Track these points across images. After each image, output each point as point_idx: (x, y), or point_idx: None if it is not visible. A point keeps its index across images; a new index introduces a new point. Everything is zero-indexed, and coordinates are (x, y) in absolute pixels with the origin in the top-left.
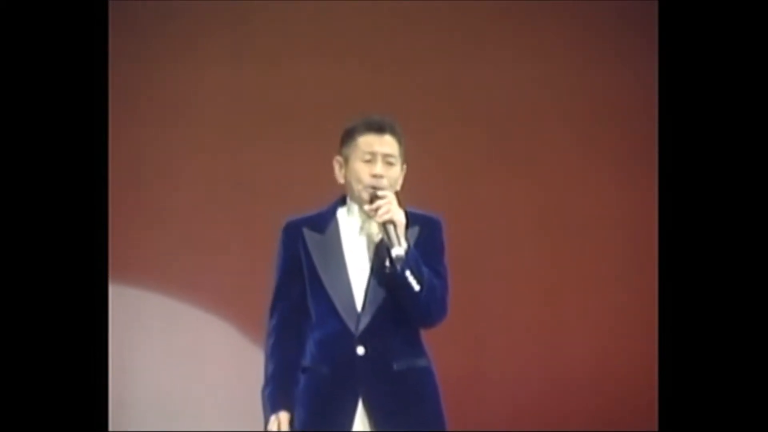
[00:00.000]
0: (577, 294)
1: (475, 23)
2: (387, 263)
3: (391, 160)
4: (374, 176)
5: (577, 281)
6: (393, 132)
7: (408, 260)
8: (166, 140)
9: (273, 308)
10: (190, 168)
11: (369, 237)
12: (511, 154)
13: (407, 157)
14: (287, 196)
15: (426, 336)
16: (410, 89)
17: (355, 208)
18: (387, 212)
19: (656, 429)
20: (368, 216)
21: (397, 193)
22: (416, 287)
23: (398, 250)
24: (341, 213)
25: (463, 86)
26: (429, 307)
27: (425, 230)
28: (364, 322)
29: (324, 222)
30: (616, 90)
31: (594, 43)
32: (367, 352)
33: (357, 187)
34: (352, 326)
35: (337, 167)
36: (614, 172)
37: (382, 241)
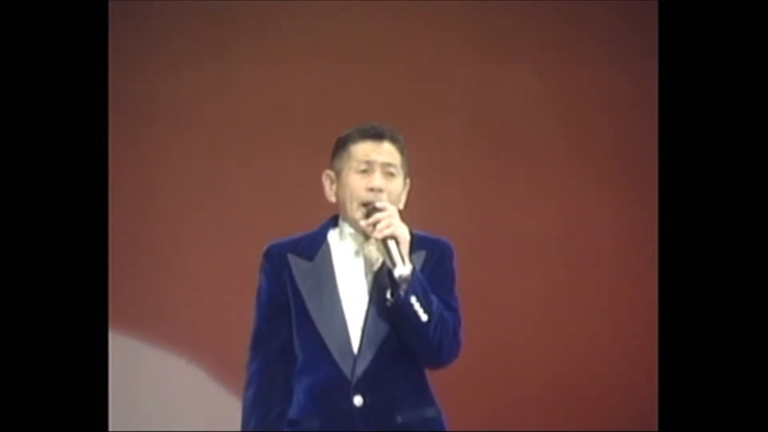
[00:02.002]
0: (577, 294)
1: (474, 23)
2: (389, 294)
3: (392, 170)
4: (371, 190)
5: (576, 282)
6: (393, 139)
7: (414, 283)
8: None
9: (254, 350)
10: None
11: (366, 264)
12: (513, 160)
13: (411, 172)
14: (275, 217)
15: None
16: (408, 95)
17: (348, 229)
18: (388, 226)
19: (656, 429)
20: (365, 237)
21: (400, 212)
22: (423, 317)
23: (402, 269)
24: (332, 236)
25: (463, 88)
26: (439, 342)
27: (433, 256)
28: (362, 365)
29: (313, 247)
30: (616, 91)
31: (594, 43)
32: (365, 402)
33: (350, 205)
34: (347, 371)
35: (327, 183)
36: (614, 173)
37: (381, 268)
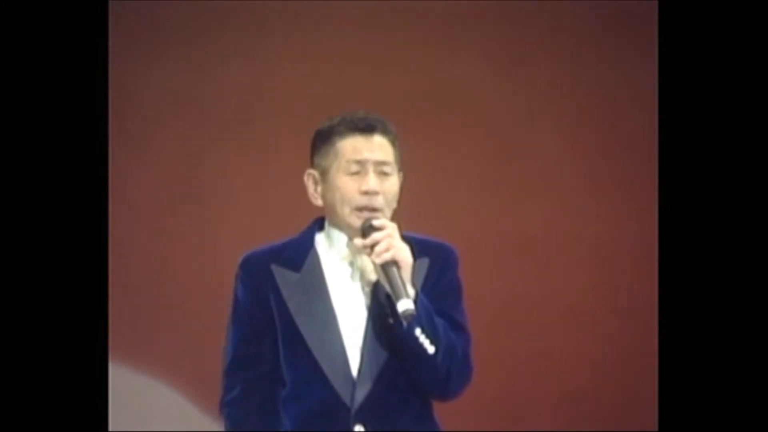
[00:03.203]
0: (577, 296)
1: (475, 23)
2: (390, 320)
3: (386, 169)
4: (366, 193)
5: (576, 282)
6: (385, 131)
7: (419, 313)
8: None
9: (231, 377)
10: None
11: (363, 274)
12: (508, 158)
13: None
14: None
15: None
16: (403, 91)
17: (338, 234)
18: (387, 249)
19: (656, 429)
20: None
21: (394, 213)
22: (430, 349)
23: (406, 303)
24: (320, 242)
25: (463, 87)
26: (448, 372)
27: (436, 264)
28: (363, 391)
29: (298, 255)
30: (618, 91)
31: (592, 44)
32: None
33: (343, 211)
34: (345, 397)
35: (311, 185)
36: (615, 174)
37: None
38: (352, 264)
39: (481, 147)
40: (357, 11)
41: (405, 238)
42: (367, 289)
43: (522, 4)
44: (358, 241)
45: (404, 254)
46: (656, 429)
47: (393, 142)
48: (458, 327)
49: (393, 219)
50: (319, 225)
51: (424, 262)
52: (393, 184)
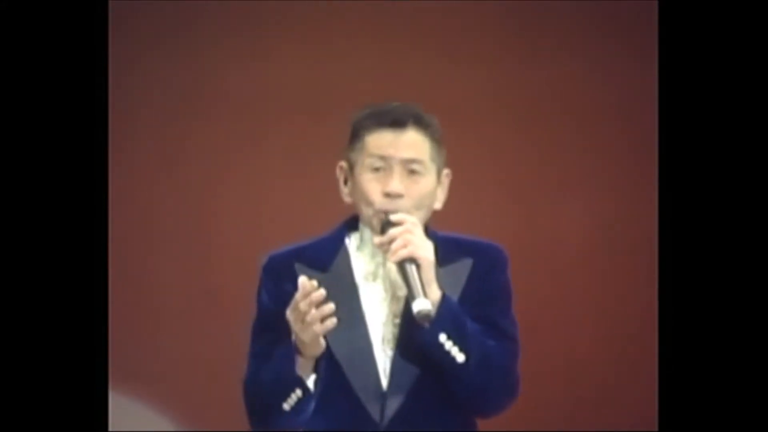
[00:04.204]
0: (577, 296)
1: (475, 23)
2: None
3: (416, 167)
4: (388, 195)
5: (576, 281)
6: (420, 125)
7: (442, 317)
8: None
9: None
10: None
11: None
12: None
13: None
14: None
15: None
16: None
17: (369, 234)
18: (404, 245)
19: (656, 429)
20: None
21: (437, 214)
22: (459, 357)
23: (422, 303)
24: (352, 242)
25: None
26: (485, 386)
27: (481, 266)
28: (394, 406)
29: (326, 254)
30: (622, 91)
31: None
32: None
33: (367, 212)
34: (374, 412)
35: (341, 179)
36: (615, 174)
37: None
38: (385, 265)
39: (474, 149)
40: (370, 10)
41: (444, 239)
42: (400, 294)
43: (523, 4)
44: (377, 239)
45: (423, 251)
46: (656, 429)
47: (432, 137)
48: (502, 335)
49: (431, 221)
50: (352, 223)
51: (467, 263)
52: (424, 185)
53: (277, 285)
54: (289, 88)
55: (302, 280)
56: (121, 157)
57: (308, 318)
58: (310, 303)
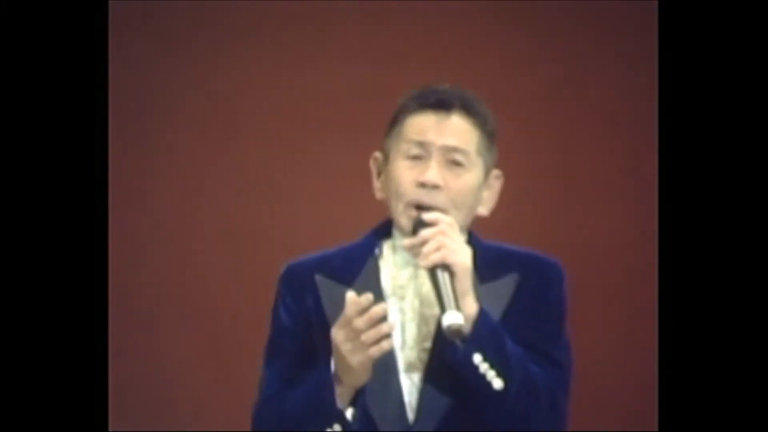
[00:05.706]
0: (577, 296)
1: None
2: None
3: (459, 158)
4: (423, 185)
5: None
6: (468, 111)
7: (478, 334)
8: None
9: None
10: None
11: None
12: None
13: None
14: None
15: None
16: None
17: (401, 241)
18: (437, 249)
19: (656, 429)
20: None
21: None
22: (496, 383)
23: (454, 316)
24: (385, 251)
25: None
26: (526, 418)
27: (530, 283)
28: None
29: (352, 265)
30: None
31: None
32: None
33: (397, 207)
34: None
35: (374, 170)
36: (616, 173)
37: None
38: (415, 279)
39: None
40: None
41: (487, 248)
42: (432, 312)
43: (522, 4)
44: (407, 240)
45: (459, 257)
46: (656, 429)
47: (482, 129)
48: (550, 361)
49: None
50: (383, 230)
51: (512, 279)
52: (467, 180)
53: (297, 300)
54: (295, 88)
55: (351, 295)
56: (121, 156)
57: (365, 338)
58: (369, 320)
